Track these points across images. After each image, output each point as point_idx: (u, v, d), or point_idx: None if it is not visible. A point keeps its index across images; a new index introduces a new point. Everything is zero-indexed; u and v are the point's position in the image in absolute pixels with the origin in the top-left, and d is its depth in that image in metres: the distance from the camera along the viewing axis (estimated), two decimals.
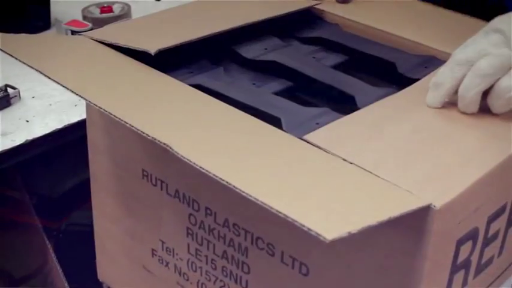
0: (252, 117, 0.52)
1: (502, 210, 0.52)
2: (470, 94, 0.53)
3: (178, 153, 0.45)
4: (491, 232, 0.52)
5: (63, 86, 0.54)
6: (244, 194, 0.40)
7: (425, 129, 0.52)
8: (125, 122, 0.49)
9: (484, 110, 0.54)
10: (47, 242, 0.91)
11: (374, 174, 0.46)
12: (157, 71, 0.60)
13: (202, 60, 0.65)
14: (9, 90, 0.89)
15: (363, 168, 0.46)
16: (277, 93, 0.60)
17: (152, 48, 0.60)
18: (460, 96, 0.53)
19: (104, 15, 1.11)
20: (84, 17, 1.10)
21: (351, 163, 0.47)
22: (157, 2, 1.27)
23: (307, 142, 0.49)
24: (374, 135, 0.51)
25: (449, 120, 0.54)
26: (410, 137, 0.51)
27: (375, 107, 0.55)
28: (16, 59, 0.58)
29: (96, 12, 1.12)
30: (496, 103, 0.53)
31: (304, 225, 0.37)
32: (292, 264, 0.53)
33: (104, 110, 0.51)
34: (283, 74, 0.63)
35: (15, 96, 0.90)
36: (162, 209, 0.64)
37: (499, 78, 0.52)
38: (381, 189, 0.44)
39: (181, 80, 0.59)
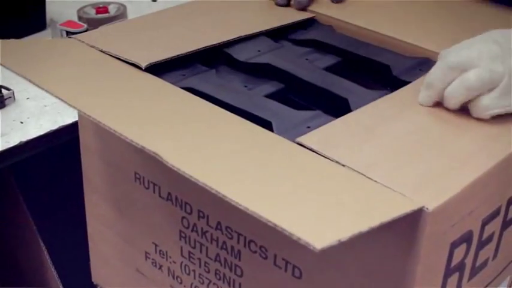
0: (243, 120, 0.52)
1: (496, 212, 0.52)
2: (453, 101, 0.53)
3: (167, 162, 0.44)
4: (485, 235, 0.51)
5: (53, 95, 0.54)
6: (233, 203, 0.40)
7: (419, 130, 0.52)
8: (114, 130, 0.48)
9: None
10: (41, 243, 0.91)
11: (367, 176, 0.45)
12: (149, 74, 0.59)
13: (195, 63, 0.64)
14: (4, 91, 0.89)
15: (355, 170, 0.46)
16: (269, 96, 0.60)
17: (143, 60, 0.60)
18: (445, 98, 0.54)
19: (100, 15, 1.11)
20: (80, 18, 1.10)
21: (344, 165, 0.46)
22: (153, 2, 1.27)
23: (300, 144, 0.49)
24: (367, 137, 0.50)
25: (443, 121, 0.53)
26: (404, 139, 0.50)
27: (368, 109, 0.55)
28: (9, 69, 0.58)
29: (92, 13, 1.11)
30: (473, 114, 0.53)
31: (293, 235, 0.37)
32: (285, 267, 0.53)
33: (94, 118, 0.50)
34: (276, 76, 0.63)
35: (10, 97, 0.90)
36: (154, 211, 0.63)
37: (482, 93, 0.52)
38: (374, 192, 0.44)
39: (173, 83, 0.59)
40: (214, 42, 0.65)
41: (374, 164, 0.47)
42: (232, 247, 0.57)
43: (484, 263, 0.53)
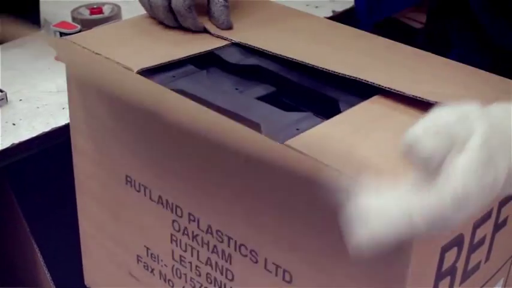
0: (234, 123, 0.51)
1: (488, 215, 0.51)
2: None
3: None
4: (477, 238, 0.51)
5: None
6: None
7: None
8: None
9: None
10: (35, 245, 0.91)
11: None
12: (141, 76, 0.59)
13: (186, 64, 0.64)
14: None
15: (346, 174, 0.45)
16: (260, 98, 0.59)
17: (135, 65, 0.59)
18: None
19: (94, 16, 1.10)
20: (74, 18, 1.09)
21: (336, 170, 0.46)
22: None
23: (289, 147, 0.48)
24: (358, 141, 0.50)
25: None
26: (395, 142, 0.50)
27: (359, 110, 0.54)
28: None
29: (86, 14, 1.11)
30: None
31: None
32: (275, 272, 0.52)
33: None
34: (267, 78, 0.62)
35: (2, 99, 0.89)
36: (146, 215, 0.63)
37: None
38: None
39: (163, 85, 0.58)
40: (207, 48, 0.65)
41: (365, 168, 0.46)
42: (223, 251, 0.56)
43: (476, 266, 0.53)
